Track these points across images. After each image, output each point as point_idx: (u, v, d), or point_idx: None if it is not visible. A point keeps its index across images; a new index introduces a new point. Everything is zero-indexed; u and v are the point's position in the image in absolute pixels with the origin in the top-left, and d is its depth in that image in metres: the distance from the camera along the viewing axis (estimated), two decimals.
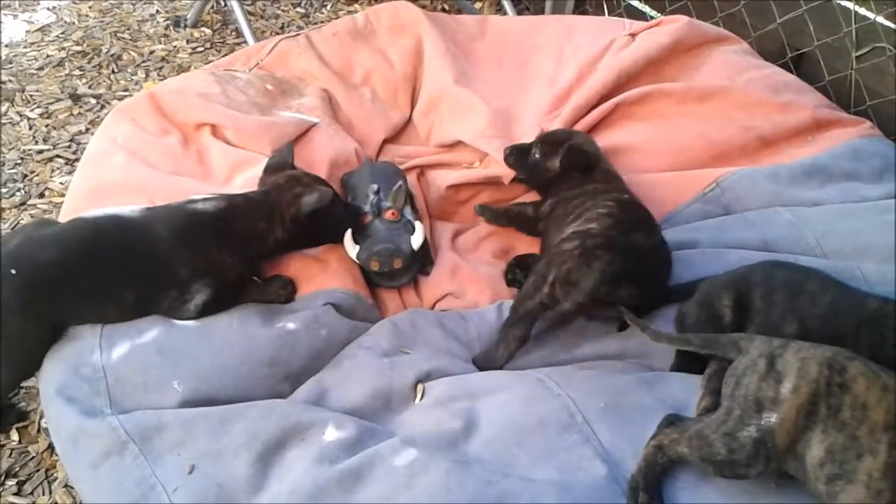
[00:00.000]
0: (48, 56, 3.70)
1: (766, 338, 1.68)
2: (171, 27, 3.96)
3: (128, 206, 2.08)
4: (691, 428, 1.62)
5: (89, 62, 3.69)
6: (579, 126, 2.66)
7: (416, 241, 2.28)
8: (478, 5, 4.19)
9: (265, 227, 2.11)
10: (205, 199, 2.12)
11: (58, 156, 3.13)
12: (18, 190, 2.96)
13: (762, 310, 1.83)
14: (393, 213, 2.30)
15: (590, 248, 1.95)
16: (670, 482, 1.63)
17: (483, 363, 2.06)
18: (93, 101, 3.45)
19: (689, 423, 1.65)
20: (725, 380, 1.66)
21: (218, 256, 2.03)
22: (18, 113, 3.34)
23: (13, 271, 1.88)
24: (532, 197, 2.54)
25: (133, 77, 3.62)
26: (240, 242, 2.08)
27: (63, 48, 3.76)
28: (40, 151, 3.15)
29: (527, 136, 2.62)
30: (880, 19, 2.75)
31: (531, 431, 1.73)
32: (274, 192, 2.15)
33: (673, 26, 2.87)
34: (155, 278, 1.98)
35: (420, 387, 1.93)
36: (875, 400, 1.48)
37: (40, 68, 3.62)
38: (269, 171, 2.25)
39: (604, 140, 2.62)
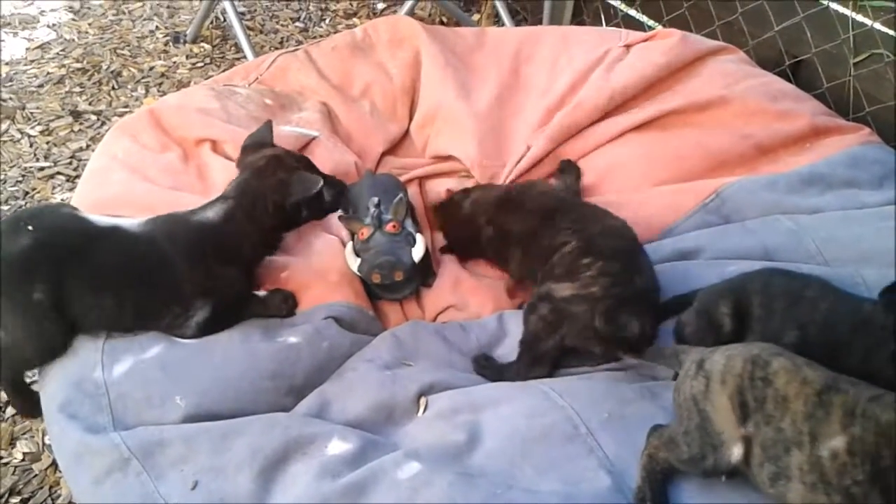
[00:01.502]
0: (48, 73, 3.72)
1: (702, 348, 1.72)
2: (171, 43, 3.99)
3: (130, 219, 2.06)
4: (665, 433, 1.66)
5: (89, 79, 3.70)
6: (571, 147, 2.66)
7: (418, 253, 2.28)
8: (475, 17, 4.21)
9: (249, 221, 2.04)
10: (195, 210, 2.07)
11: (59, 172, 3.15)
12: (20, 207, 2.97)
13: (761, 318, 1.82)
14: (394, 226, 2.30)
15: (601, 313, 1.95)
16: (676, 489, 1.63)
17: (491, 375, 2.05)
18: (93, 117, 3.47)
19: (666, 430, 1.68)
20: (673, 394, 1.71)
21: (220, 270, 2.01)
22: (19, 130, 3.36)
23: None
24: None
25: (133, 93, 3.64)
26: (235, 249, 2.04)
27: (63, 65, 3.78)
28: (41, 168, 3.17)
29: (517, 153, 2.66)
30: (878, 26, 2.76)
31: (535, 443, 1.73)
32: (254, 177, 2.07)
33: (668, 43, 2.86)
34: (156, 292, 1.97)
35: (423, 400, 1.92)
36: (794, 392, 1.50)
37: (41, 86, 3.64)
38: (246, 150, 2.17)
39: (601, 153, 2.64)
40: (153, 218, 2.05)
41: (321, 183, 2.04)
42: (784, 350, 1.61)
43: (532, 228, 2.23)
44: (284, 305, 2.13)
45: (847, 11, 2.85)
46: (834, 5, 2.90)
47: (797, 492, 1.48)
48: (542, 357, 2.02)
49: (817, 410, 1.47)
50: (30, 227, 1.89)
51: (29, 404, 2.03)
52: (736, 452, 1.56)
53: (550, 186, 2.50)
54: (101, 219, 2.02)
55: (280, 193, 2.03)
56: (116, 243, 1.96)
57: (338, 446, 1.75)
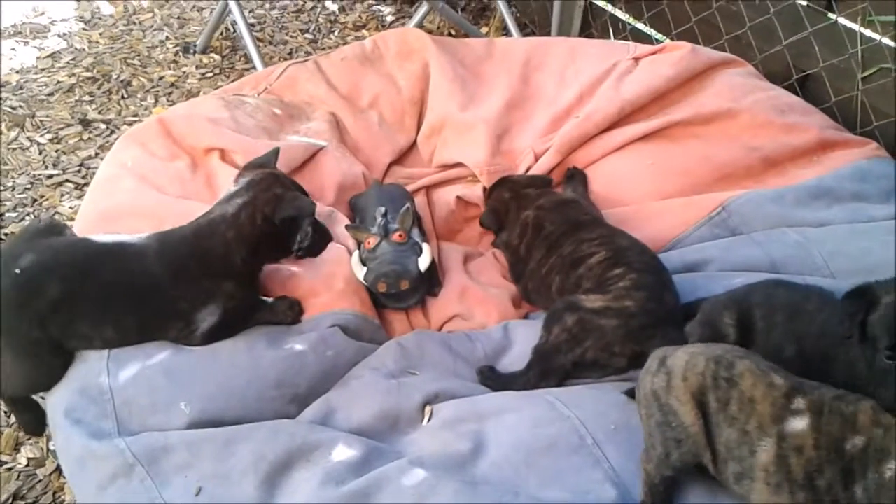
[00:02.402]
0: (58, 82, 3.74)
1: (665, 347, 1.73)
2: (181, 53, 4.01)
3: (135, 235, 2.05)
4: (646, 440, 1.68)
5: (99, 88, 3.72)
6: (578, 156, 2.67)
7: (424, 262, 2.28)
8: (484, 30, 4.22)
9: (235, 231, 1.99)
10: (184, 226, 2.06)
11: (67, 180, 3.16)
12: (28, 214, 2.98)
13: (763, 330, 1.82)
14: (400, 235, 2.30)
15: (635, 330, 1.96)
16: (682, 491, 1.64)
17: (496, 386, 2.04)
18: (102, 126, 3.48)
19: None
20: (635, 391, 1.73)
21: (211, 285, 1.99)
22: (29, 138, 3.37)
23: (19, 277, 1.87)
24: None
25: (143, 102, 3.65)
26: (223, 261, 2.00)
27: (73, 74, 3.80)
28: (50, 176, 3.18)
29: (524, 161, 2.68)
30: (886, 40, 2.76)
31: (540, 453, 1.72)
32: (245, 189, 2.04)
33: (677, 55, 2.87)
34: (157, 310, 1.97)
35: (428, 409, 1.92)
36: (761, 395, 1.51)
37: (51, 94, 3.66)
38: (247, 168, 2.14)
39: (608, 162, 2.64)
40: (149, 235, 2.04)
41: (316, 206, 2.03)
42: (748, 353, 1.63)
43: (560, 235, 2.24)
44: (290, 312, 2.13)
45: (855, 26, 2.85)
46: (842, 20, 2.90)
47: (761, 492, 1.51)
48: (556, 370, 2.02)
49: (785, 412, 1.49)
50: (17, 271, 1.88)
51: (33, 421, 2.03)
52: (701, 445, 1.57)
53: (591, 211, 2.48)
54: (93, 242, 2.01)
55: (271, 206, 2.00)
56: (110, 268, 1.95)
57: (343, 453, 1.75)
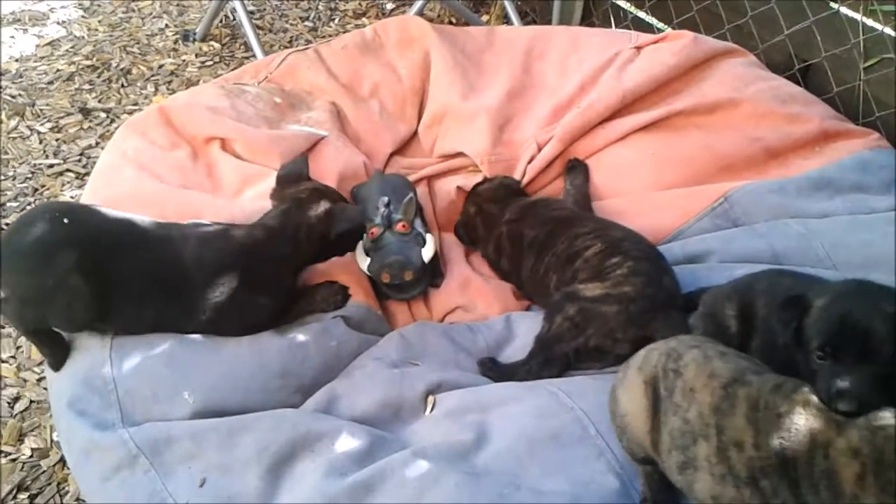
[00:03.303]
0: (58, 70, 3.73)
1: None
2: (181, 41, 3.99)
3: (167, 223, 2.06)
4: None
5: (99, 76, 3.71)
6: (580, 146, 2.67)
7: (427, 253, 2.28)
8: (484, 18, 4.21)
9: (291, 249, 2.05)
10: (231, 230, 2.06)
11: (68, 170, 3.15)
12: (29, 204, 2.98)
13: (766, 318, 1.82)
14: (404, 226, 2.30)
15: (635, 315, 1.98)
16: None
17: (498, 377, 2.05)
18: (103, 115, 3.47)
19: None
20: None
21: (247, 297, 2.00)
22: (29, 127, 3.36)
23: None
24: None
25: (142, 91, 3.64)
26: (270, 277, 2.03)
27: (73, 62, 3.79)
28: (51, 165, 3.17)
29: (526, 151, 2.67)
30: (888, 30, 2.76)
31: (543, 444, 1.73)
32: (295, 207, 2.08)
33: (679, 44, 2.86)
34: (176, 307, 1.97)
35: (430, 398, 1.93)
36: (701, 384, 1.53)
37: (50, 83, 3.65)
38: (282, 182, 2.19)
39: (609, 152, 2.64)
40: (190, 225, 2.05)
41: (359, 215, 2.07)
42: (706, 341, 1.65)
43: (547, 235, 2.24)
44: (333, 300, 2.14)
45: (857, 16, 2.84)
46: (844, 10, 2.89)
47: (705, 482, 1.50)
48: (558, 358, 2.02)
49: (723, 403, 1.50)
50: (65, 220, 1.89)
51: (59, 354, 1.98)
52: (641, 435, 1.61)
53: (566, 204, 2.50)
54: (136, 217, 2.01)
55: (326, 224, 2.05)
56: (145, 248, 1.96)
57: (346, 443, 1.76)
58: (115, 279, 1.89)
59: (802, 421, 1.42)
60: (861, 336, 1.45)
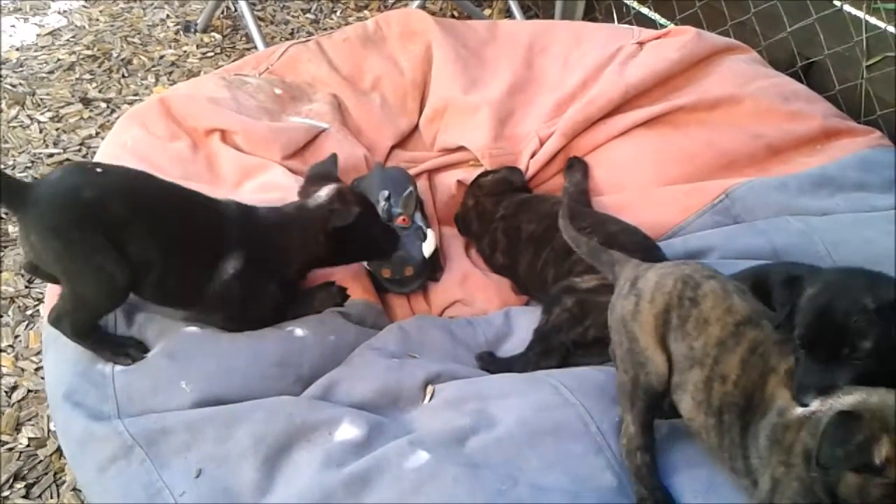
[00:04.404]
0: (59, 60, 3.72)
1: (637, 262, 1.79)
2: (182, 32, 3.98)
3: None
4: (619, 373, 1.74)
5: (100, 66, 3.70)
6: (582, 141, 2.66)
7: (428, 248, 2.28)
8: (487, 12, 4.20)
9: (300, 242, 2.04)
10: (258, 208, 2.07)
11: (68, 159, 3.14)
12: None
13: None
14: (404, 220, 2.30)
15: None
16: (679, 488, 1.64)
17: (496, 370, 2.04)
18: (103, 104, 3.46)
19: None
20: (608, 312, 1.79)
21: (255, 278, 2.00)
22: (29, 116, 3.35)
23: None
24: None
25: (143, 81, 3.63)
26: (281, 266, 2.04)
27: (74, 52, 3.77)
28: (51, 155, 3.17)
29: (528, 145, 2.66)
30: (891, 29, 2.75)
31: (543, 436, 1.73)
32: (313, 204, 2.07)
33: (682, 39, 2.86)
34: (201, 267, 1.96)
35: (430, 388, 1.92)
36: (716, 317, 1.57)
37: (51, 72, 3.64)
38: (311, 181, 2.18)
39: (611, 147, 2.63)
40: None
41: (355, 215, 2.02)
42: (718, 273, 1.67)
43: (545, 230, 2.24)
44: (329, 302, 2.14)
45: (860, 14, 2.84)
46: (847, 7, 2.89)
47: (687, 404, 1.60)
48: (557, 349, 2.02)
49: (730, 339, 1.55)
50: (98, 169, 1.90)
51: (118, 349, 1.96)
52: (661, 365, 1.63)
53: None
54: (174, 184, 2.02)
55: (330, 222, 2.04)
56: (176, 209, 1.96)
57: (344, 432, 1.75)
58: (145, 240, 1.88)
59: (775, 381, 1.49)
60: (836, 332, 1.45)
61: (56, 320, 1.90)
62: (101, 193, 1.84)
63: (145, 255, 1.88)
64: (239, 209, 2.04)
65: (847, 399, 1.37)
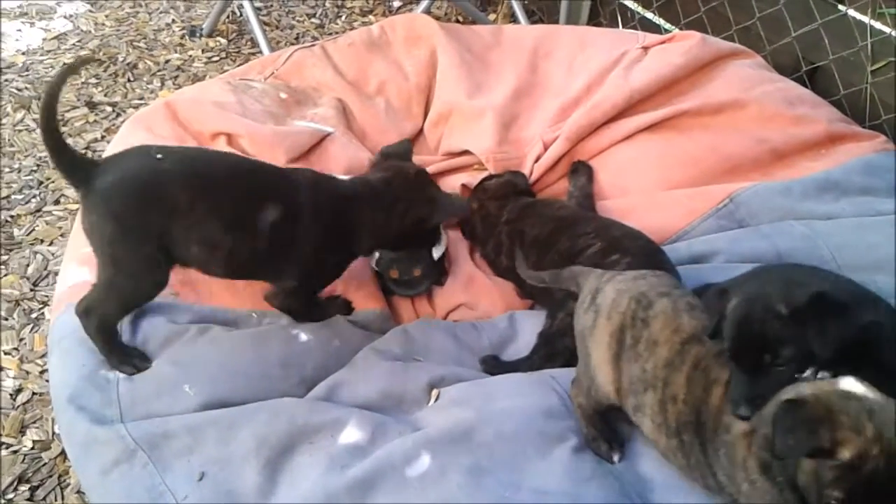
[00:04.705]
0: (65, 64, 3.72)
1: (599, 272, 1.82)
2: (187, 36, 3.99)
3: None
4: (574, 377, 1.80)
5: (105, 70, 3.71)
6: (586, 145, 2.66)
7: (437, 250, 2.28)
8: (492, 17, 4.21)
9: (383, 219, 2.01)
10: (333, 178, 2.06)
11: None
12: (34, 196, 2.98)
13: None
14: None
15: None
16: (664, 491, 1.66)
17: (500, 374, 2.04)
18: (108, 109, 3.48)
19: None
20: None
21: (329, 252, 1.98)
22: (35, 120, 3.36)
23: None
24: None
25: (149, 86, 3.65)
26: (350, 236, 2.00)
27: (79, 56, 3.78)
28: None
29: (532, 149, 2.67)
30: None
31: (546, 439, 1.73)
32: (399, 181, 2.04)
33: (686, 44, 2.86)
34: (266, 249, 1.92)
35: (434, 391, 1.92)
36: (664, 339, 1.58)
37: None
38: (388, 157, 2.14)
39: (616, 151, 2.63)
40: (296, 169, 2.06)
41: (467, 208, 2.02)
42: (675, 287, 1.69)
43: (549, 234, 2.24)
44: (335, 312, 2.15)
45: (865, 19, 2.83)
46: (852, 12, 2.88)
47: (648, 427, 1.62)
48: (561, 353, 2.02)
49: (676, 358, 1.55)
50: (159, 155, 1.86)
51: (125, 357, 1.95)
52: (607, 385, 1.66)
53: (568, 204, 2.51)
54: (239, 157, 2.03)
55: (428, 209, 2.03)
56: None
57: (348, 434, 1.76)
58: (212, 221, 1.85)
59: (718, 392, 1.50)
60: (754, 342, 1.46)
61: (85, 311, 1.89)
62: (166, 180, 1.82)
63: (212, 236, 1.85)
64: (314, 178, 2.01)
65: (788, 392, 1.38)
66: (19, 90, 3.53)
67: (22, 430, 2.21)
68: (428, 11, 3.73)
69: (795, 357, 1.44)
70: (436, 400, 1.90)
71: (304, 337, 2.05)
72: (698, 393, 1.52)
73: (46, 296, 2.56)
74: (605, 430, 1.74)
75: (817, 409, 1.26)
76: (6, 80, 3.59)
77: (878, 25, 2.81)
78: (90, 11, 4.16)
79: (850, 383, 1.31)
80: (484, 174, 2.62)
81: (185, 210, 1.81)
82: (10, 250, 2.74)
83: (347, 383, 1.95)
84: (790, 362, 1.45)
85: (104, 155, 2.58)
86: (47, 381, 2.24)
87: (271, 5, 4.29)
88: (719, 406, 1.49)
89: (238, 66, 3.42)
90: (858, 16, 2.87)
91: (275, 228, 1.89)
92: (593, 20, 3.90)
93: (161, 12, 4.19)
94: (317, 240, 1.94)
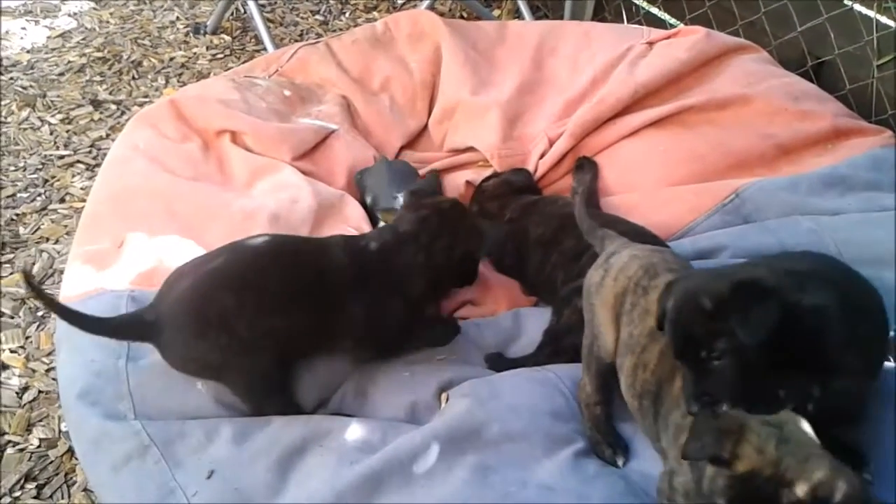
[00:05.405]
0: (69, 62, 3.74)
1: (625, 240, 1.89)
2: (191, 34, 4.00)
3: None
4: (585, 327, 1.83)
5: (110, 68, 3.72)
6: (592, 141, 2.65)
7: None
8: (496, 13, 4.20)
9: (423, 259, 1.95)
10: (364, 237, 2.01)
11: (78, 161, 3.16)
12: (39, 195, 2.98)
13: None
14: None
15: None
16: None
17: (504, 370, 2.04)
18: (113, 106, 3.48)
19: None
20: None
21: (384, 300, 1.92)
22: (39, 118, 3.37)
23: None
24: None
25: (153, 83, 3.65)
26: (403, 282, 1.94)
27: (84, 54, 3.80)
28: (61, 157, 3.18)
29: (537, 146, 2.66)
30: None
31: (553, 440, 1.73)
32: (436, 218, 1.99)
33: (692, 39, 2.86)
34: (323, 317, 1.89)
35: (444, 395, 1.91)
36: (654, 310, 1.60)
37: (61, 74, 3.66)
38: (417, 194, 2.10)
39: (621, 147, 2.63)
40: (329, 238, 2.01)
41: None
42: (685, 265, 1.74)
43: (554, 233, 2.24)
44: (442, 339, 2.10)
45: (871, 13, 2.83)
46: (858, 7, 2.87)
47: (622, 386, 1.70)
48: (566, 350, 2.01)
49: (658, 331, 1.58)
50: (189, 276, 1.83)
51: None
52: (610, 343, 1.71)
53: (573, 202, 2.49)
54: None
55: (476, 241, 2.01)
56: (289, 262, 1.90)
57: (356, 431, 1.77)
58: (264, 316, 1.82)
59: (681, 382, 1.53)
60: (686, 339, 1.48)
61: None
62: (212, 294, 1.80)
63: (268, 326, 1.81)
64: (345, 242, 1.97)
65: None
66: (24, 88, 3.54)
67: (28, 429, 2.21)
68: (432, 8, 3.72)
69: (734, 349, 1.43)
70: (446, 402, 1.89)
71: None
72: (666, 369, 1.57)
73: (52, 294, 2.56)
74: (610, 434, 1.75)
75: (731, 423, 1.31)
76: (11, 79, 3.59)
77: (883, 20, 2.80)
78: (94, 9, 4.17)
79: (788, 416, 1.35)
80: (489, 171, 2.62)
81: (237, 315, 1.78)
82: (16, 249, 2.75)
83: (357, 399, 1.95)
84: (729, 354, 1.44)
85: (108, 154, 2.59)
86: (53, 379, 2.25)
87: (275, 2, 4.29)
88: (678, 396, 1.53)
89: (242, 63, 3.42)
90: (864, 10, 2.87)
91: (323, 304, 1.87)
92: (598, 16, 3.90)
93: (165, 10, 4.20)
94: (362, 300, 1.90)
